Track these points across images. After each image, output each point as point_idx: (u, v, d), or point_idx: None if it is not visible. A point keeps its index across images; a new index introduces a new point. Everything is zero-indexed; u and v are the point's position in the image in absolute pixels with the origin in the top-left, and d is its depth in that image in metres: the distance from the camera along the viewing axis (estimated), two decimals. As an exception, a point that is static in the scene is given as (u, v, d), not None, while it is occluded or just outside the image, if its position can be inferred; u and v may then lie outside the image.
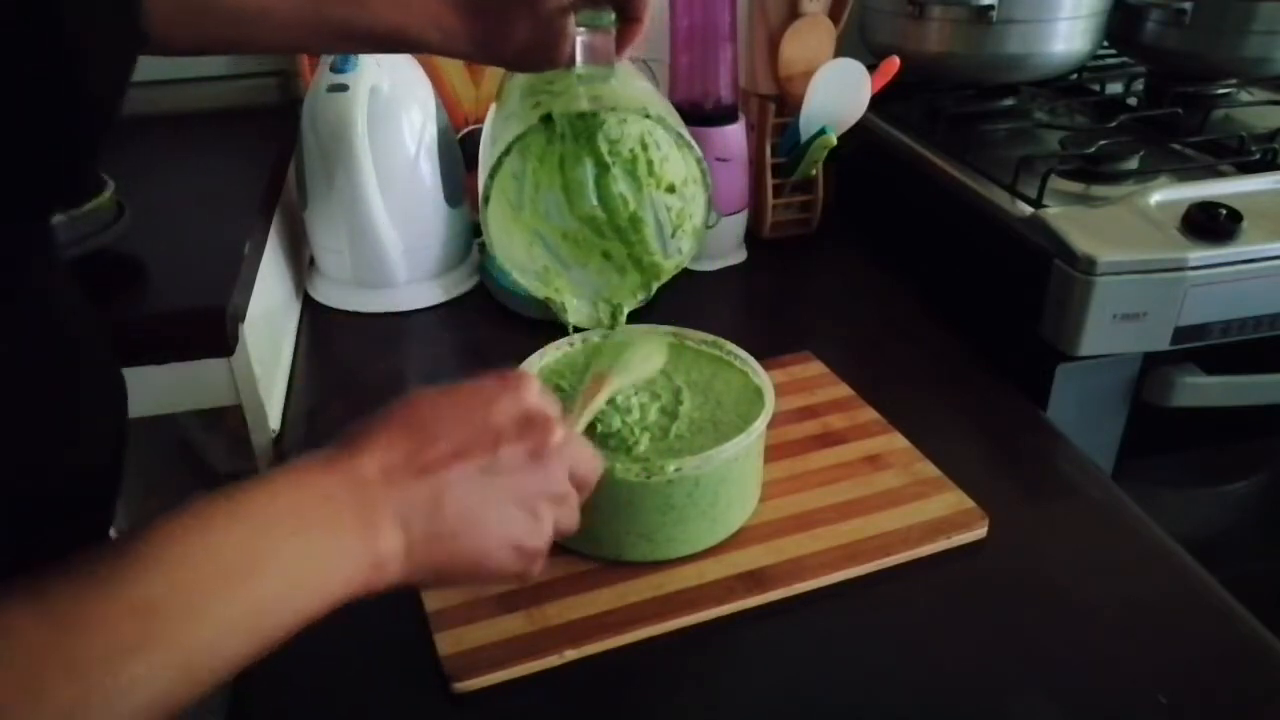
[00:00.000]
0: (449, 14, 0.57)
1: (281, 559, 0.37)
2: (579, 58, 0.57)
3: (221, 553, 0.35)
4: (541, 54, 0.57)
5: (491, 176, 0.57)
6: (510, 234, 0.61)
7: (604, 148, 0.59)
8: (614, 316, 0.64)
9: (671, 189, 0.60)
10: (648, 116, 0.56)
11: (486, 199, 0.58)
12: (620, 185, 0.60)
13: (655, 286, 0.63)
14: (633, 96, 0.58)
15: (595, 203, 0.60)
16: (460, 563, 0.42)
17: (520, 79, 0.62)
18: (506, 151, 0.56)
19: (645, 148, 0.59)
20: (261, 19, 0.57)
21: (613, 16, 0.58)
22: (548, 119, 0.56)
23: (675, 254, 0.63)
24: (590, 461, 0.47)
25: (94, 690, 0.32)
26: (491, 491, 0.42)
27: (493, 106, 0.65)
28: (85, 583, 0.33)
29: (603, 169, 0.59)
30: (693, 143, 0.58)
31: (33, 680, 0.31)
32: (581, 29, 0.57)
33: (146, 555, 0.34)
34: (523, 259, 0.62)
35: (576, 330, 0.65)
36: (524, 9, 0.56)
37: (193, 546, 0.35)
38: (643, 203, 0.61)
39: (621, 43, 0.59)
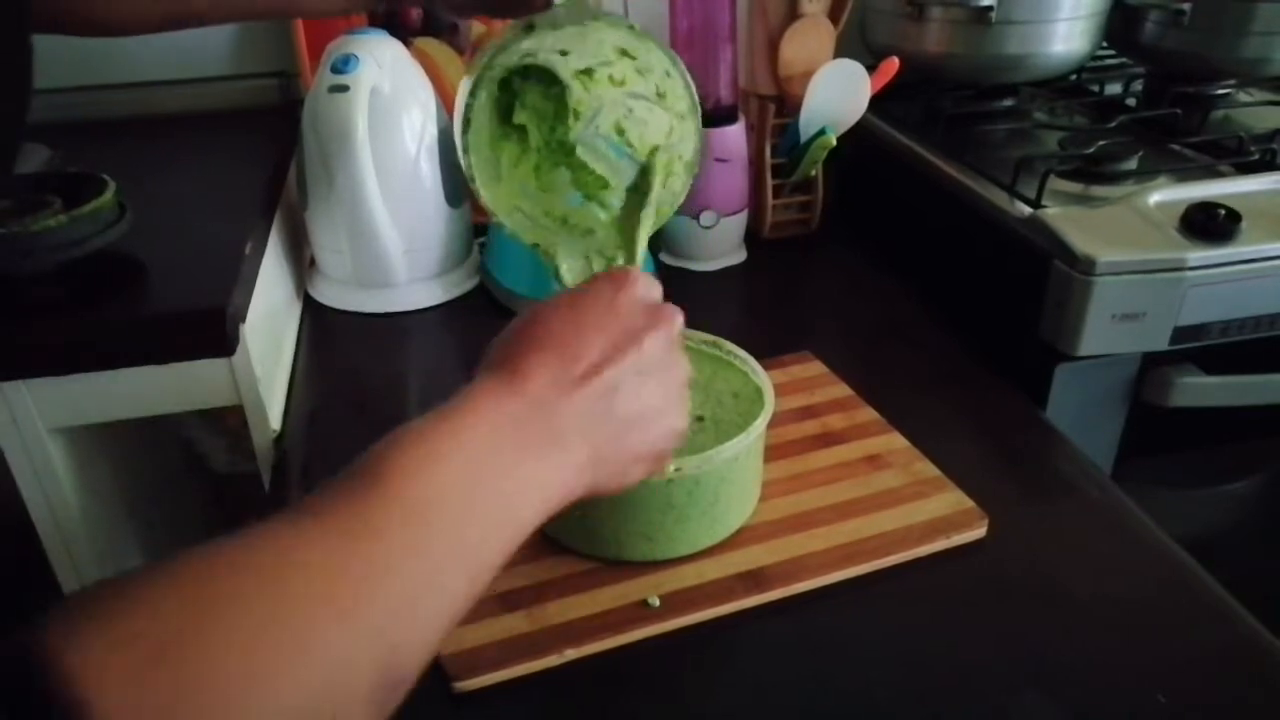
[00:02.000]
0: None
1: (497, 488, 0.38)
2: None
3: (448, 489, 0.36)
4: None
5: (464, 132, 0.56)
6: (494, 193, 0.59)
7: (580, 152, 0.57)
8: (609, 264, 0.60)
9: (654, 150, 0.58)
10: (624, 54, 0.55)
11: (466, 123, 0.56)
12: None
13: (648, 235, 0.60)
14: (603, 37, 0.55)
15: (573, 205, 0.58)
16: (632, 456, 0.44)
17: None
18: (472, 97, 0.55)
19: (622, 131, 0.57)
20: None
21: None
22: (505, 83, 0.55)
23: (669, 200, 0.59)
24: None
25: (398, 591, 0.32)
26: (649, 386, 0.44)
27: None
28: (339, 511, 0.33)
29: (578, 169, 0.58)
30: (675, 60, 0.55)
31: (340, 589, 0.30)
32: None
33: (378, 496, 0.34)
34: (507, 211, 0.59)
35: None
36: None
37: (422, 485, 0.35)
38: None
39: None
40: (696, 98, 0.57)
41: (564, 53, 0.55)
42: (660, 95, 0.56)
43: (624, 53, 0.56)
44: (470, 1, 0.60)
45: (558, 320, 0.44)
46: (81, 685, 0.24)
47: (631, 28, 0.56)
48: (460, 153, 0.57)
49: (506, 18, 0.59)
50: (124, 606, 0.26)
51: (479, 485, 0.37)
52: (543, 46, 0.55)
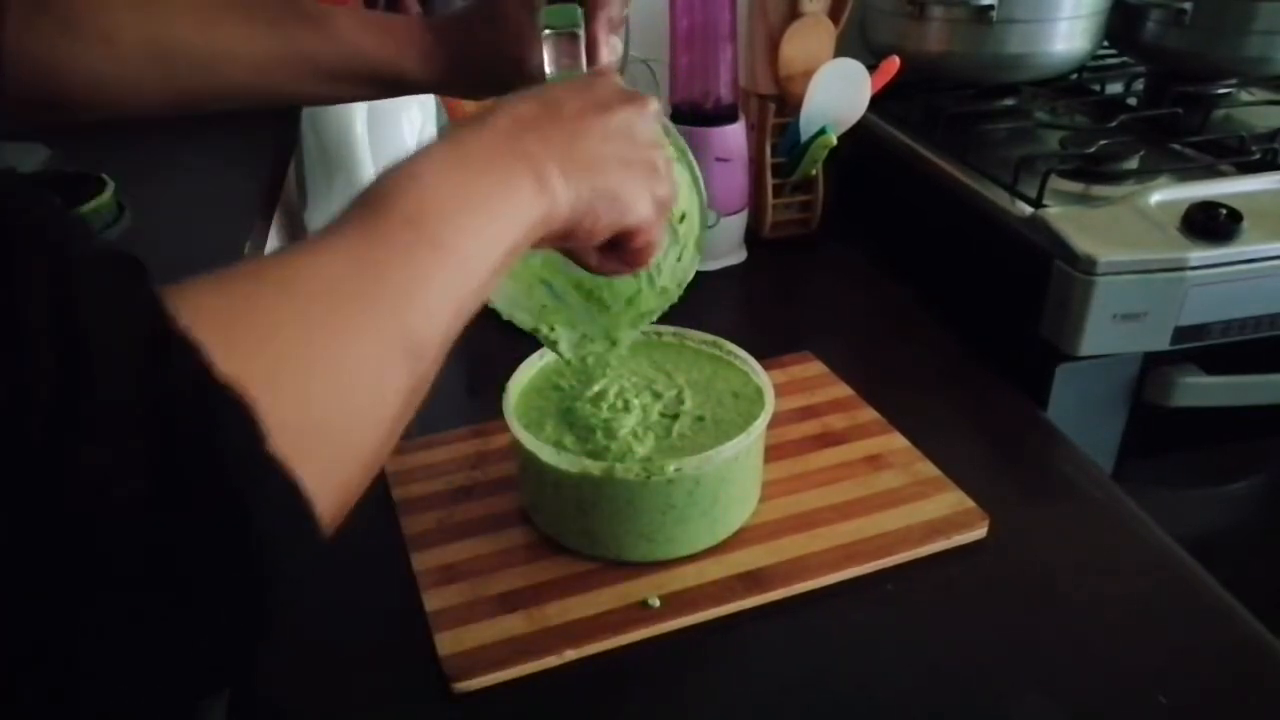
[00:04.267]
0: (412, 30, 0.57)
1: (482, 207, 0.39)
2: (548, 66, 0.54)
3: (452, 196, 0.38)
4: (508, 63, 0.56)
5: None
6: (511, 277, 0.57)
7: None
8: (611, 347, 0.61)
9: (683, 217, 0.57)
10: None
11: None
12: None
13: (659, 314, 0.60)
14: None
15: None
16: (605, 194, 0.44)
17: None
18: None
19: None
20: (232, 60, 0.55)
21: (579, 13, 0.54)
22: None
23: (680, 276, 0.59)
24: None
25: (409, 283, 0.34)
26: (611, 146, 0.44)
27: None
28: (351, 227, 0.35)
29: None
30: (684, 147, 0.54)
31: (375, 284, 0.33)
32: (548, 30, 0.54)
33: (384, 205, 0.36)
34: (520, 297, 0.59)
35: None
36: (484, 8, 0.56)
37: (415, 196, 0.37)
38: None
39: (590, 35, 0.55)
40: (696, 166, 0.55)
41: None
42: (681, 152, 0.55)
43: None
44: (464, 84, 0.60)
45: (538, 91, 0.46)
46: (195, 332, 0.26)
47: None
48: None
49: (500, 87, 0.58)
50: (214, 288, 0.29)
51: (466, 195, 0.39)
52: None
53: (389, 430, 0.33)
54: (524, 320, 0.59)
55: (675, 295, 0.59)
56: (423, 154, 0.40)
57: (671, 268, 0.58)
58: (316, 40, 0.56)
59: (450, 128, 0.42)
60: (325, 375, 0.30)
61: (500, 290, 0.57)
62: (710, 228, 0.96)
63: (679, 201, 0.56)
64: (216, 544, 0.25)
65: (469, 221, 0.38)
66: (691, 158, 0.55)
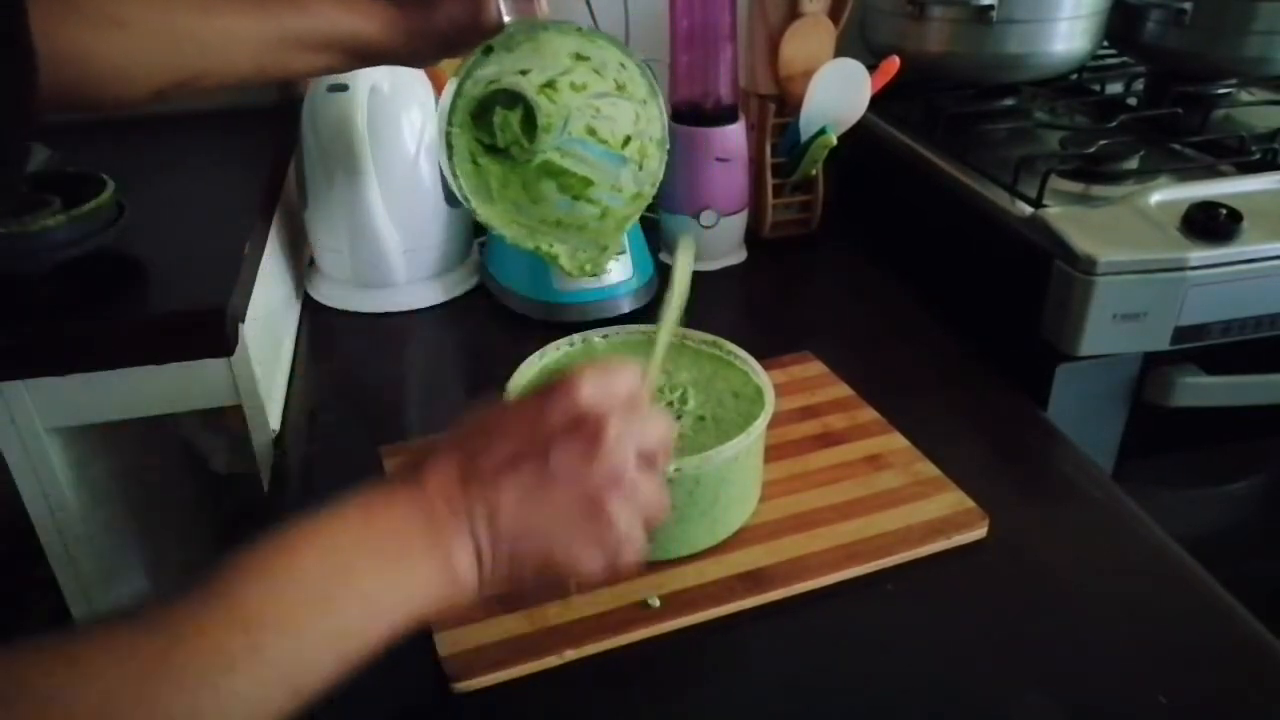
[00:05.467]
0: (376, 4, 0.61)
1: (360, 590, 0.39)
2: (506, 15, 0.60)
3: (306, 581, 0.37)
4: (470, 19, 0.59)
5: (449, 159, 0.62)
6: (489, 212, 0.64)
7: (555, 156, 0.61)
8: (604, 251, 0.66)
9: (628, 140, 0.62)
10: (580, 59, 0.59)
11: (450, 149, 0.62)
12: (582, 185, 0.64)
13: (637, 217, 0.66)
14: (556, 47, 0.59)
15: (564, 210, 0.64)
16: (531, 566, 0.42)
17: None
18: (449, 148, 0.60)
19: (593, 131, 0.61)
20: (228, 42, 0.59)
21: None
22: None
23: (648, 180, 0.65)
24: (659, 432, 0.46)
25: (204, 700, 0.33)
26: (546, 498, 0.42)
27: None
28: (181, 604, 0.34)
29: (561, 175, 0.62)
30: (629, 52, 0.60)
31: (145, 691, 0.32)
32: None
33: (235, 580, 0.36)
34: (503, 225, 0.65)
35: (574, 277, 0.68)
36: None
37: (279, 574, 0.37)
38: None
39: None
40: (653, 80, 0.60)
41: (524, 72, 0.59)
42: (620, 87, 0.60)
43: (579, 57, 0.60)
44: (429, 49, 0.63)
45: (492, 416, 0.44)
46: None
47: (580, 30, 0.60)
48: (450, 176, 0.60)
49: (468, 52, 0.63)
50: None
51: (334, 584, 0.38)
52: (504, 70, 0.59)
53: None
54: (522, 240, 0.64)
55: (651, 194, 0.66)
56: (331, 516, 0.39)
57: (634, 176, 0.65)
58: (297, 17, 0.60)
59: (361, 496, 0.41)
60: None
61: (486, 217, 0.64)
62: (710, 228, 0.96)
63: (623, 128, 0.63)
64: None
65: (318, 618, 0.37)
66: (639, 62, 0.61)
